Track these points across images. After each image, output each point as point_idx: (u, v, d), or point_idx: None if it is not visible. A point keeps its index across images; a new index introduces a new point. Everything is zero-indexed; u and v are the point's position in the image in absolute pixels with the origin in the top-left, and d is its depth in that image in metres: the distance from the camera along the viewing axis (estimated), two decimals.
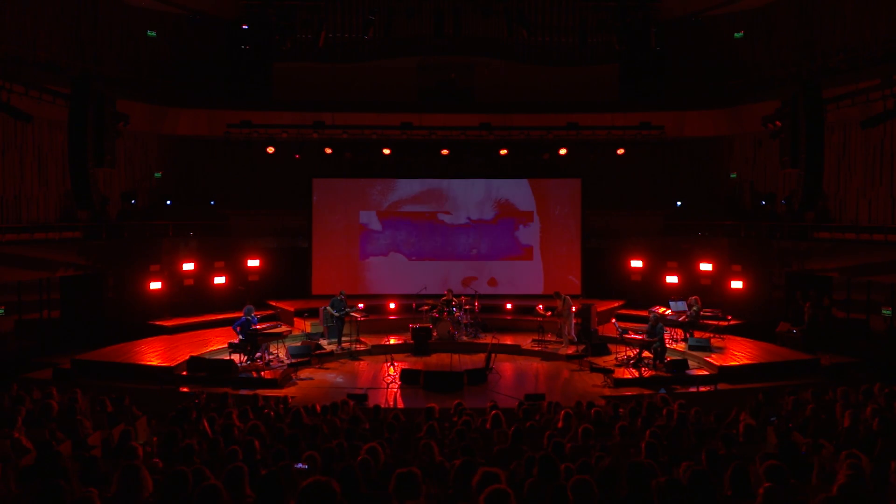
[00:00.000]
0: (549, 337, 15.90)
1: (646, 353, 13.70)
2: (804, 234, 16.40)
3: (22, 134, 15.52)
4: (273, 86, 20.28)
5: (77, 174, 12.46)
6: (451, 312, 16.11)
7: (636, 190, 19.61)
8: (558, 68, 20.11)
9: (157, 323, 16.42)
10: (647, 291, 18.17)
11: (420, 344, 15.60)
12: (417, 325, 15.88)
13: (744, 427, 7.50)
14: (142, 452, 6.30)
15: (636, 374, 13.22)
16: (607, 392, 12.35)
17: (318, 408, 9.40)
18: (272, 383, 12.73)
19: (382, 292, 18.68)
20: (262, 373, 13.22)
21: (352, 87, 19.90)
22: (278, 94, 20.13)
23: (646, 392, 11.90)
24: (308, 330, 16.25)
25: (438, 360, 15.03)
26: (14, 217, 15.25)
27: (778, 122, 14.05)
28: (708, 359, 13.57)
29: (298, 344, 14.95)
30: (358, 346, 15.64)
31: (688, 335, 14.95)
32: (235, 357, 13.72)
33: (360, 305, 16.87)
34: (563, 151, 18.26)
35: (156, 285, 16.91)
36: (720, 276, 17.50)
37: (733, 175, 19.64)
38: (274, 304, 18.29)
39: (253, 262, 18.70)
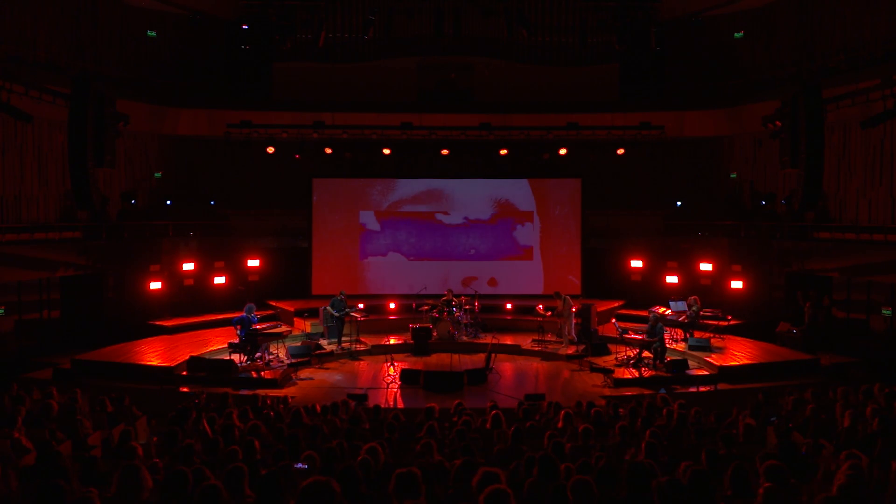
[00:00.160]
0: (549, 337, 15.90)
1: (646, 353, 13.71)
2: (804, 234, 16.40)
3: (22, 134, 15.52)
4: (273, 86, 20.28)
5: (77, 174, 12.45)
6: (451, 312, 16.11)
7: (636, 190, 19.61)
8: (558, 68, 20.11)
9: (157, 323, 16.42)
10: (647, 291, 18.17)
11: (420, 344, 15.59)
12: (417, 325, 15.88)
13: (744, 427, 7.51)
14: (142, 452, 6.29)
15: (636, 374, 13.22)
16: (607, 392, 12.35)
17: (318, 408, 9.40)
18: (272, 383, 12.72)
19: (382, 292, 18.69)
20: (262, 373, 13.22)
21: (352, 87, 19.91)
22: (278, 94, 20.14)
23: (646, 392, 11.90)
24: (308, 330, 16.25)
25: (438, 360, 15.03)
26: (14, 217, 15.24)
27: (778, 122, 14.04)
28: (708, 359, 13.57)
29: (298, 344, 14.96)
30: (358, 346, 15.64)
31: (688, 335, 14.96)
32: (235, 357, 13.72)
33: (360, 305, 16.87)
34: (563, 151, 18.26)
35: (156, 285, 16.91)
36: (720, 276, 17.50)
37: (733, 175, 19.63)
38: (274, 304, 18.29)
39: (253, 262, 18.71)
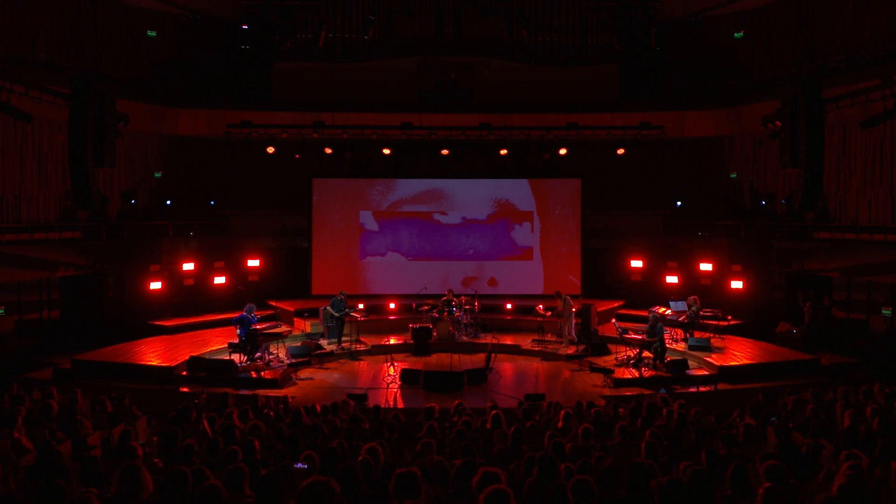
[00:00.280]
0: (549, 337, 15.91)
1: (646, 353, 13.71)
2: (804, 234, 16.40)
3: (22, 134, 15.52)
4: (273, 86, 20.27)
5: (77, 174, 12.43)
6: (451, 312, 16.11)
7: (636, 190, 19.60)
8: (558, 68, 20.10)
9: (157, 323, 16.42)
10: (647, 291, 18.17)
11: (420, 344, 15.59)
12: (417, 325, 15.88)
13: (744, 427, 7.51)
14: (142, 452, 6.29)
15: (636, 374, 13.22)
16: (607, 392, 12.35)
17: (318, 408, 9.40)
18: (272, 383, 12.73)
19: (382, 292, 18.68)
20: (262, 373, 13.23)
21: (352, 87, 19.91)
22: (278, 94, 20.13)
23: (646, 392, 11.91)
24: (308, 330, 16.26)
25: (438, 360, 15.03)
26: (14, 217, 15.25)
27: (778, 122, 14.03)
28: (708, 359, 13.57)
29: (298, 344, 14.96)
30: (358, 346, 15.64)
31: (688, 335, 14.96)
32: (235, 357, 13.72)
33: (360, 305, 16.88)
34: (562, 151, 18.26)
35: (156, 285, 16.91)
36: (720, 276, 17.50)
37: (733, 175, 19.63)
38: (274, 304, 18.29)
39: (253, 262, 18.70)
